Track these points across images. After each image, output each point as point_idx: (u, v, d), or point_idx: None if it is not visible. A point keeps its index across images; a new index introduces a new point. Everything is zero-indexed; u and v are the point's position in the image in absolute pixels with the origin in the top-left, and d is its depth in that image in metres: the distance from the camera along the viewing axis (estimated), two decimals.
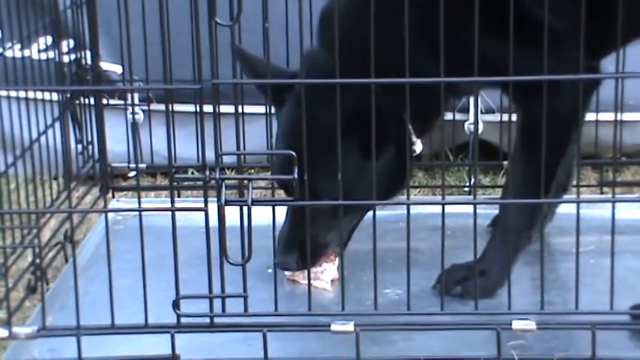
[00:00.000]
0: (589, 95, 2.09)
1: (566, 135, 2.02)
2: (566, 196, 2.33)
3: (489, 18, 1.72)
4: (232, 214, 1.74)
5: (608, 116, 2.31)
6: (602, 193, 2.58)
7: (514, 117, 2.12)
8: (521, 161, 2.10)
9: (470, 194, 2.74)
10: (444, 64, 1.76)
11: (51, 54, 2.46)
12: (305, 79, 1.96)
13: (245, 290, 1.80)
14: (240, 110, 1.77)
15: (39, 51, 2.55)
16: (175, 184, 2.49)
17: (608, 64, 2.20)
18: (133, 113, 2.80)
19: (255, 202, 1.74)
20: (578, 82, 1.86)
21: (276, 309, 1.84)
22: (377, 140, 1.79)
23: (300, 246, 2.01)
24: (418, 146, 2.13)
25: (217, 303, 1.81)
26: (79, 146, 2.59)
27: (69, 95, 2.50)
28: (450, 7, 1.73)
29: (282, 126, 2.10)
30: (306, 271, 1.95)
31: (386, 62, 1.73)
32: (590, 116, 2.39)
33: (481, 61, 1.73)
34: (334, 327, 1.80)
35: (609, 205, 1.82)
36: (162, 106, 1.87)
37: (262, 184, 2.71)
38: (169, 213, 1.78)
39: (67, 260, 2.35)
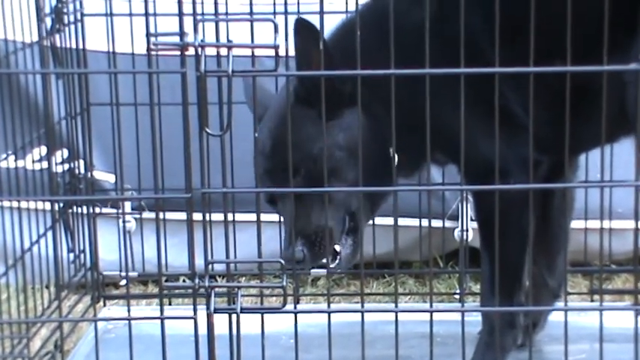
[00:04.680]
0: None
1: (521, 221, 1.95)
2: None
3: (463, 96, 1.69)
4: (221, 321, 1.74)
5: (597, 224, 2.32)
6: (592, 300, 2.58)
7: None
8: (484, 255, 2.07)
9: (460, 301, 2.74)
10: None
11: (45, 164, 2.48)
12: None
13: None
14: (229, 218, 1.78)
15: (33, 161, 2.58)
16: (165, 292, 2.49)
17: (596, 172, 2.22)
18: (124, 222, 2.81)
19: (244, 310, 1.74)
20: (529, 168, 1.85)
21: None
22: (331, 102, 1.79)
23: (302, 235, 1.96)
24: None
25: None
26: (71, 255, 2.60)
27: (62, 205, 2.52)
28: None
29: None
30: None
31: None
32: (578, 224, 2.43)
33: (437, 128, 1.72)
34: None
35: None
36: (154, 214, 1.88)
37: (252, 291, 2.71)
38: (159, 321, 1.79)
39: None
